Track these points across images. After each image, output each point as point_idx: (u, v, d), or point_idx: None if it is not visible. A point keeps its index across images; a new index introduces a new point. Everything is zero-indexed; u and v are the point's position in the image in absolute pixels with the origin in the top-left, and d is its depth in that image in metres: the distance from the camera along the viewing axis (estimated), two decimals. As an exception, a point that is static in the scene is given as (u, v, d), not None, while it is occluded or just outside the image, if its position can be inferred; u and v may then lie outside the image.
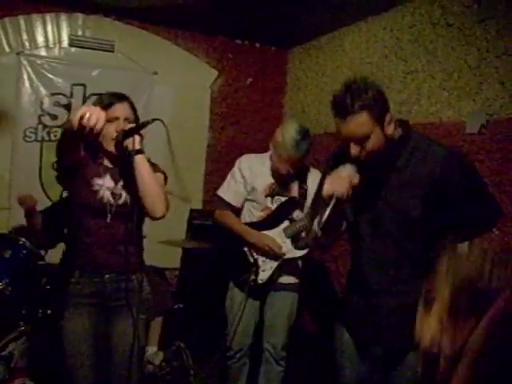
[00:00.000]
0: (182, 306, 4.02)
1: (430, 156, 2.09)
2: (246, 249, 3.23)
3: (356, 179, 2.08)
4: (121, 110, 2.45)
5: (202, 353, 3.66)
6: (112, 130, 2.40)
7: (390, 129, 2.07)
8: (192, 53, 5.00)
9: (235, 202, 3.29)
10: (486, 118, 3.07)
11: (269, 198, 3.23)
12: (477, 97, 3.16)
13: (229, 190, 3.31)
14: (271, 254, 3.15)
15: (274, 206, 3.22)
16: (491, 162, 3.02)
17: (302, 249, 3.22)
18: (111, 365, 2.51)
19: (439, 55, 3.46)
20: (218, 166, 5.15)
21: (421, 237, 2.13)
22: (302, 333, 4.38)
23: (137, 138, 2.36)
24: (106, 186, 2.45)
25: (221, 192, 3.34)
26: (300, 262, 3.34)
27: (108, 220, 2.43)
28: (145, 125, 2.40)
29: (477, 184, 2.15)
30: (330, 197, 2.06)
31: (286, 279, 3.27)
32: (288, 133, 3.05)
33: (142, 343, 2.60)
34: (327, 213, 2.06)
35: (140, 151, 2.36)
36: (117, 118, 2.42)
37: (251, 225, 3.24)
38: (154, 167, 2.54)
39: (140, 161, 2.36)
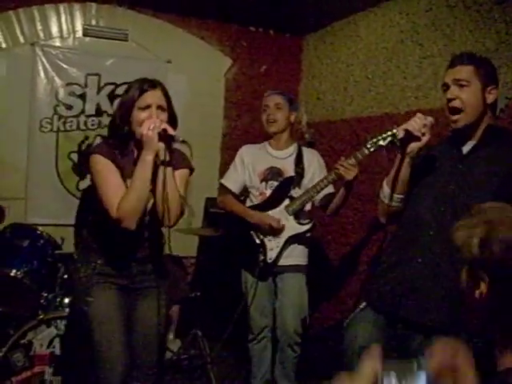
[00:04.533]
0: (198, 294, 4.03)
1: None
2: (252, 232, 3.39)
3: (431, 119, 2.31)
4: (153, 97, 2.40)
5: (219, 340, 3.68)
6: (144, 118, 2.36)
7: (489, 98, 2.25)
8: (206, 41, 4.97)
9: (235, 188, 3.53)
10: (505, 102, 3.02)
11: (263, 183, 3.44)
12: (495, 80, 3.11)
13: (230, 177, 3.58)
14: (273, 230, 3.31)
15: (268, 191, 3.42)
16: (510, 147, 2.98)
17: (306, 224, 3.38)
18: (134, 346, 2.52)
19: (456, 39, 3.40)
20: (234, 154, 5.06)
21: None
22: (318, 318, 4.38)
23: (166, 149, 2.31)
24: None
25: (223, 179, 3.62)
26: (306, 246, 3.45)
27: (146, 221, 2.45)
28: (175, 140, 2.36)
29: None
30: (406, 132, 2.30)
31: (295, 260, 3.39)
32: None
33: (164, 320, 2.63)
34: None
35: (167, 163, 2.31)
36: (149, 106, 2.39)
37: (254, 207, 3.44)
38: (183, 161, 2.54)
39: (167, 173, 2.32)
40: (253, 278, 3.39)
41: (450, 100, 2.27)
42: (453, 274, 2.08)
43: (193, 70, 4.91)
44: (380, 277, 2.47)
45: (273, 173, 3.44)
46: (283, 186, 3.39)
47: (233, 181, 3.55)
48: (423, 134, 2.29)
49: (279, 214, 3.36)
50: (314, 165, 3.47)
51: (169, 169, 2.33)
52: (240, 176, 3.53)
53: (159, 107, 2.40)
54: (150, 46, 4.73)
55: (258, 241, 3.37)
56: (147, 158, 2.28)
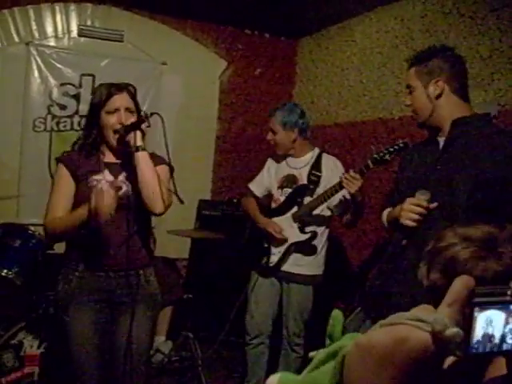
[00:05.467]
0: (191, 296, 4.02)
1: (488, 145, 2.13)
2: (263, 236, 3.47)
3: (433, 205, 2.13)
4: (120, 100, 2.43)
5: (210, 342, 3.67)
6: (114, 122, 2.39)
7: (435, 92, 2.21)
8: (201, 43, 4.98)
9: (258, 192, 3.63)
10: (498, 108, 3.04)
11: (279, 190, 3.49)
12: (488, 87, 3.13)
13: (255, 181, 3.68)
14: (273, 237, 3.37)
15: (282, 198, 3.46)
16: (503, 153, 3.00)
17: (308, 233, 3.37)
18: (115, 362, 2.49)
19: (450, 45, 3.39)
20: (227, 156, 5.14)
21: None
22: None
23: (138, 133, 2.35)
24: (104, 180, 2.41)
25: (250, 183, 3.72)
26: (320, 253, 3.43)
27: (111, 213, 2.41)
28: (144, 120, 2.39)
29: None
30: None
31: (303, 269, 3.39)
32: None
33: (147, 341, 2.57)
34: None
35: (141, 148, 2.35)
36: (117, 109, 2.41)
37: (267, 212, 3.52)
38: (159, 159, 2.53)
39: (141, 157, 2.35)
40: (256, 280, 3.46)
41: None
42: None
43: (188, 71, 4.91)
44: (375, 283, 2.48)
45: (288, 180, 3.46)
46: (296, 193, 3.41)
47: (257, 185, 3.65)
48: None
49: (285, 220, 3.39)
50: (332, 173, 3.36)
51: (143, 153, 2.36)
52: (264, 181, 3.61)
53: (127, 109, 2.43)
54: (146, 47, 4.72)
55: (265, 244, 3.45)
56: (81, 212, 2.29)
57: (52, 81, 4.48)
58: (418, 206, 2.10)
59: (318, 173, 3.37)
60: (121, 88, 2.47)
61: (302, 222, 3.36)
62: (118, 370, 2.48)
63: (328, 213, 3.39)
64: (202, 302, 4.15)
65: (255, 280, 3.47)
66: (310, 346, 3.45)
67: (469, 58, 3.26)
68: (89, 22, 4.56)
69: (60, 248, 3.59)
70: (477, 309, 0.56)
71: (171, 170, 2.59)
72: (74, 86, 4.55)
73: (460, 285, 0.58)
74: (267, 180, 3.59)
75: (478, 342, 0.56)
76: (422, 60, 2.26)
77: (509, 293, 0.59)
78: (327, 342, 0.72)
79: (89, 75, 4.58)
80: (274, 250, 3.41)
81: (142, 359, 2.52)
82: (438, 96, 2.21)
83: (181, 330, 3.85)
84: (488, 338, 0.57)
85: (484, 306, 0.57)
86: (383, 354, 0.56)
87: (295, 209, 3.38)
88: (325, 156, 3.48)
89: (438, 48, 2.30)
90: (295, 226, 3.37)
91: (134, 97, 2.50)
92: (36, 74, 4.43)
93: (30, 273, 3.36)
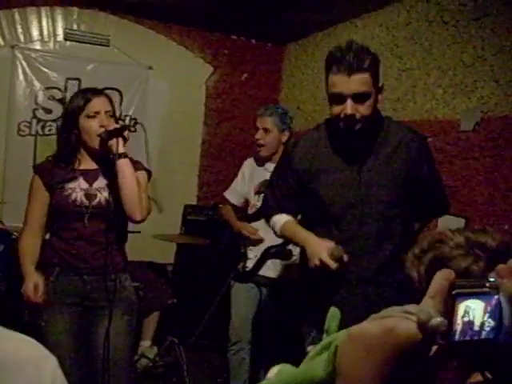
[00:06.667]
0: (175, 301, 4.02)
1: (406, 140, 2.19)
2: (240, 241, 3.49)
3: (345, 258, 2.06)
4: (100, 104, 2.44)
5: (195, 348, 3.67)
6: (96, 126, 2.39)
7: (379, 100, 2.12)
8: (187, 48, 4.99)
9: (234, 200, 3.60)
10: (481, 115, 3.08)
11: (256, 196, 3.47)
12: (471, 94, 3.17)
13: (231, 191, 3.65)
14: (251, 241, 3.39)
15: (259, 203, 3.41)
16: (485, 160, 3.03)
17: None
18: (94, 366, 2.46)
19: (434, 53, 3.46)
20: (213, 161, 5.15)
21: (399, 220, 2.19)
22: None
23: (121, 140, 2.35)
24: (79, 188, 2.43)
25: (225, 193, 3.69)
26: (296, 257, 3.41)
27: (85, 221, 2.42)
28: (126, 127, 2.42)
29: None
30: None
31: (280, 274, 3.40)
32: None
33: (126, 345, 2.54)
34: None
35: (123, 155, 2.36)
36: (97, 112, 2.42)
37: (245, 218, 3.53)
38: (138, 165, 2.54)
39: (123, 165, 2.36)
40: (233, 285, 3.45)
41: (349, 116, 2.09)
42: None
43: (174, 76, 4.92)
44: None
45: (265, 185, 3.43)
46: None
47: (232, 194, 3.63)
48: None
49: (261, 225, 3.33)
50: None
51: (126, 160, 2.37)
52: (240, 189, 3.59)
53: (107, 113, 2.44)
54: (132, 51, 4.72)
55: (242, 249, 3.46)
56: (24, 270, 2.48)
57: (37, 84, 4.46)
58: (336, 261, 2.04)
59: None
60: (98, 92, 2.50)
61: None
62: (97, 374, 2.45)
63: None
64: (187, 307, 4.14)
65: (233, 286, 3.45)
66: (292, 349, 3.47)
67: (452, 65, 3.31)
68: (75, 26, 4.55)
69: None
70: (457, 299, 0.60)
71: (149, 175, 2.61)
72: (59, 89, 4.54)
73: (441, 278, 0.62)
74: (242, 187, 3.59)
75: (460, 330, 0.60)
76: (373, 63, 2.07)
77: (487, 284, 0.63)
78: (324, 336, 0.75)
79: (74, 79, 4.57)
80: (250, 254, 3.41)
81: (121, 363, 2.49)
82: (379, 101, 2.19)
83: (166, 335, 3.83)
84: (469, 326, 0.61)
85: (464, 297, 0.61)
86: (373, 342, 0.60)
87: None
88: None
89: (368, 49, 2.15)
90: (270, 230, 3.37)
91: (111, 101, 2.52)
92: (21, 77, 4.41)
93: (15, 278, 3.33)
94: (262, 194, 3.42)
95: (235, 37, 5.20)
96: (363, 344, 0.61)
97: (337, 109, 2.08)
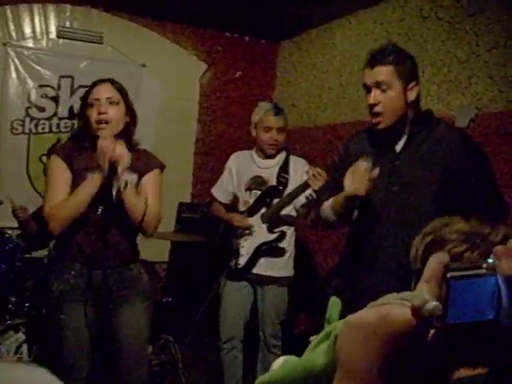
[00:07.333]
0: (170, 299, 4.01)
1: (445, 141, 2.19)
2: (232, 238, 3.44)
3: (375, 172, 2.17)
4: (101, 91, 2.42)
5: (190, 346, 3.66)
6: (95, 114, 2.37)
7: (411, 95, 2.21)
8: (181, 45, 4.97)
9: (222, 198, 3.60)
10: (475, 112, 3.08)
11: (248, 192, 3.46)
12: (466, 91, 3.17)
13: (218, 187, 3.64)
14: (242, 228, 3.37)
15: (251, 200, 3.44)
16: (480, 156, 3.03)
17: (276, 233, 3.39)
18: (119, 357, 2.51)
19: (429, 49, 3.45)
20: (207, 159, 5.13)
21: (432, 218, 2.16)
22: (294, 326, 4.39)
23: (119, 176, 2.30)
24: None
25: (213, 189, 3.68)
26: (288, 255, 3.43)
27: (99, 212, 2.40)
28: (116, 168, 2.31)
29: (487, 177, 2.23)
30: (353, 197, 2.20)
31: (274, 272, 3.39)
32: (262, 105, 3.49)
33: (146, 329, 2.61)
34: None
35: (124, 185, 2.31)
36: (97, 99, 2.39)
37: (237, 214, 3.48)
38: (153, 164, 2.54)
39: (127, 195, 2.34)
40: (225, 283, 3.44)
41: (372, 105, 2.23)
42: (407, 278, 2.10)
43: (167, 74, 4.90)
44: (342, 286, 2.48)
45: (256, 182, 3.45)
46: (265, 195, 3.41)
47: (220, 191, 3.61)
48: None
49: (254, 221, 3.39)
50: (300, 175, 3.38)
51: (127, 191, 2.33)
52: (227, 186, 3.57)
53: (108, 99, 2.40)
54: (125, 49, 4.70)
55: (234, 246, 3.42)
56: (95, 177, 2.30)
57: (30, 82, 4.43)
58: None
59: (286, 175, 3.41)
60: (105, 79, 2.48)
61: (271, 222, 3.37)
62: (120, 361, 2.52)
63: (294, 213, 3.43)
64: (182, 304, 4.13)
65: (224, 283, 3.44)
66: (287, 346, 3.46)
67: (447, 61, 3.30)
68: (68, 24, 4.52)
69: (38, 252, 3.58)
70: (452, 282, 0.61)
71: (162, 170, 2.61)
72: (52, 87, 4.51)
73: (435, 261, 0.63)
74: (230, 184, 3.57)
75: (455, 312, 0.61)
76: (400, 59, 2.21)
77: (484, 265, 0.63)
78: (325, 326, 0.76)
79: (68, 77, 4.54)
80: (242, 251, 3.39)
81: (141, 347, 2.59)
82: (413, 99, 2.24)
83: (161, 334, 3.82)
84: (463, 309, 0.61)
85: (459, 280, 0.61)
86: (369, 330, 0.60)
87: (264, 210, 3.40)
88: (293, 158, 3.52)
89: (406, 51, 2.33)
90: (264, 226, 3.38)
91: (120, 88, 2.48)
92: (14, 75, 4.38)
93: (7, 277, 3.32)
94: (254, 191, 3.44)
95: (229, 34, 5.18)
96: (360, 332, 0.61)
97: (367, 101, 2.25)
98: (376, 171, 2.16)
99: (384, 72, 2.18)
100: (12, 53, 4.36)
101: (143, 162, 2.51)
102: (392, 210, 2.22)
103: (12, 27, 4.35)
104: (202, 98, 5.10)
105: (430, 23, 3.46)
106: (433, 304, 0.57)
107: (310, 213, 3.28)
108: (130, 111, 2.52)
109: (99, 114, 2.36)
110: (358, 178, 2.17)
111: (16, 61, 4.37)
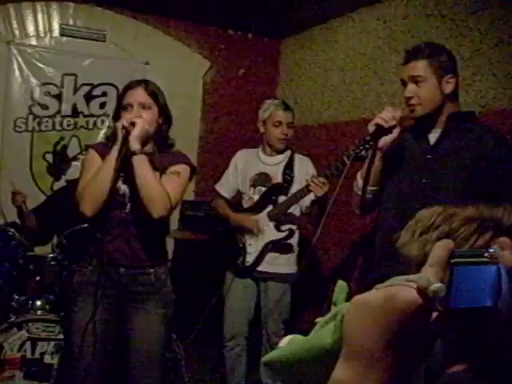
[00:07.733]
0: (174, 296, 4.00)
1: (480, 142, 2.22)
2: (237, 234, 3.44)
3: (400, 112, 2.30)
4: (133, 95, 2.39)
5: (194, 344, 3.66)
6: (128, 117, 2.34)
7: (448, 88, 2.27)
8: (184, 43, 4.96)
9: (226, 193, 3.59)
10: (479, 109, 3.06)
11: (252, 189, 3.46)
12: (469, 88, 3.15)
13: (222, 183, 3.63)
14: (250, 230, 3.36)
15: (256, 197, 3.44)
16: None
17: (284, 231, 3.38)
18: (129, 360, 2.50)
19: (432, 46, 3.44)
20: (210, 157, 5.13)
21: None
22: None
23: (132, 138, 2.27)
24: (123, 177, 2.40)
25: (216, 185, 3.68)
26: (294, 252, 3.45)
27: (124, 211, 2.40)
28: (128, 130, 2.31)
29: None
30: (376, 126, 2.29)
31: (279, 268, 3.39)
32: (269, 102, 3.52)
33: (158, 337, 2.53)
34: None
35: (137, 151, 2.29)
36: (130, 105, 2.38)
37: (242, 211, 3.49)
38: (178, 158, 2.54)
39: (135, 162, 2.30)
40: (231, 280, 3.43)
41: (408, 98, 2.32)
42: None
43: (171, 71, 4.88)
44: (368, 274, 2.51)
45: (261, 179, 3.45)
46: (270, 192, 3.41)
47: (224, 186, 3.61)
48: (393, 127, 2.30)
49: (261, 219, 3.39)
50: (304, 173, 3.40)
51: (139, 157, 2.30)
52: (232, 182, 3.57)
53: (140, 105, 2.39)
54: (128, 47, 4.70)
55: (240, 244, 3.42)
56: (113, 148, 2.31)
57: (33, 80, 4.44)
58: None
59: (291, 173, 3.43)
60: (136, 83, 2.45)
61: (279, 220, 3.37)
62: (128, 364, 2.50)
63: (299, 212, 3.44)
64: (185, 302, 4.13)
65: (231, 280, 3.43)
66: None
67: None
68: (71, 22, 4.53)
69: (40, 249, 3.59)
70: (455, 268, 0.63)
71: (192, 171, 2.58)
72: (55, 85, 4.51)
73: (441, 247, 0.65)
74: (234, 180, 3.57)
75: (457, 297, 0.62)
76: (434, 54, 2.29)
77: (486, 254, 0.65)
78: (332, 307, 0.79)
79: (71, 75, 4.55)
80: (249, 249, 3.38)
81: (153, 355, 2.50)
82: (450, 92, 2.28)
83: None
84: (464, 294, 0.63)
85: (462, 266, 0.63)
86: (376, 310, 0.63)
87: (270, 207, 3.39)
88: (298, 156, 3.54)
89: (442, 45, 2.42)
90: (271, 224, 3.37)
91: (152, 92, 2.44)
92: (17, 73, 4.39)
93: (10, 274, 3.32)
94: (259, 187, 3.43)
95: (232, 32, 5.18)
96: (367, 312, 0.64)
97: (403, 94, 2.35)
98: (400, 112, 2.31)
99: (418, 66, 2.28)
100: (15, 51, 4.37)
101: (172, 157, 2.52)
102: (420, 201, 2.22)
103: (15, 25, 4.35)
104: (206, 96, 5.10)
105: (433, 20, 3.45)
106: (437, 285, 0.60)
107: (312, 213, 3.30)
108: (164, 112, 2.51)
109: (131, 123, 2.32)
110: (383, 113, 2.29)
111: (19, 59, 4.38)
